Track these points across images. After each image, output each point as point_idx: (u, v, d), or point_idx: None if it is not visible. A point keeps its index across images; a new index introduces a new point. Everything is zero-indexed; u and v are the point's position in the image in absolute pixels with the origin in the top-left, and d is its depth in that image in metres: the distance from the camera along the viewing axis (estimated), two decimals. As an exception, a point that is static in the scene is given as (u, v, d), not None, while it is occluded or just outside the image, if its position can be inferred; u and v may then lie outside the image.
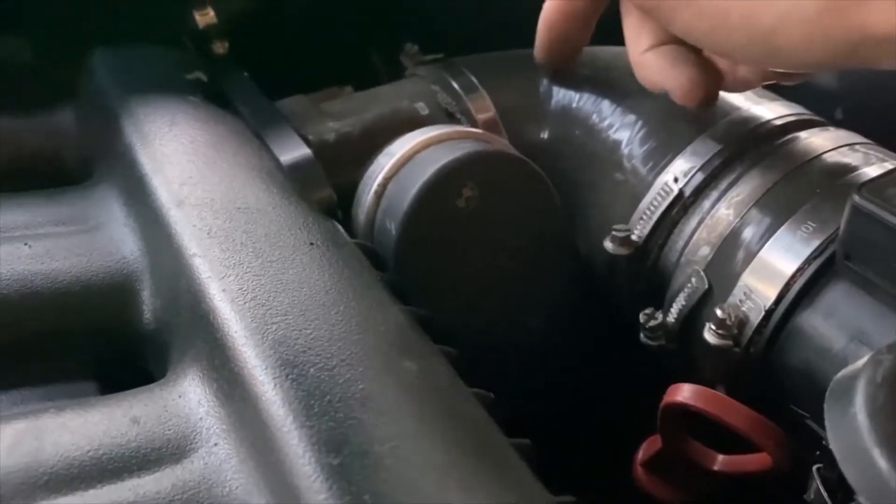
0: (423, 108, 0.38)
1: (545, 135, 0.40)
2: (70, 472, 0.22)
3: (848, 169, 0.33)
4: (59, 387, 0.27)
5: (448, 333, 0.29)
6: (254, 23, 0.46)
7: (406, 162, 0.35)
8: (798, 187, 0.32)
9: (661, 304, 0.34)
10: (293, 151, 0.34)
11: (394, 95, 0.40)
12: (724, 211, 0.33)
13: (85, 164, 0.35)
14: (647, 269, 0.35)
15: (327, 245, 0.28)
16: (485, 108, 0.39)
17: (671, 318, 0.33)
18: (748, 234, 0.32)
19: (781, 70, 0.32)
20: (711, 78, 0.32)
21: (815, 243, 0.30)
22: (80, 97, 0.37)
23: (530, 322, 0.36)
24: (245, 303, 0.25)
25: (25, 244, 0.29)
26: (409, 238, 0.33)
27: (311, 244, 0.28)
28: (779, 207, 0.32)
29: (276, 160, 0.34)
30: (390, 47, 0.44)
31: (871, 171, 0.32)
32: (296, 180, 0.33)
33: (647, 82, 0.33)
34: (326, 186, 0.34)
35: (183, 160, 0.30)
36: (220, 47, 0.47)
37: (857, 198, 0.27)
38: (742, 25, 0.27)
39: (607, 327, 0.37)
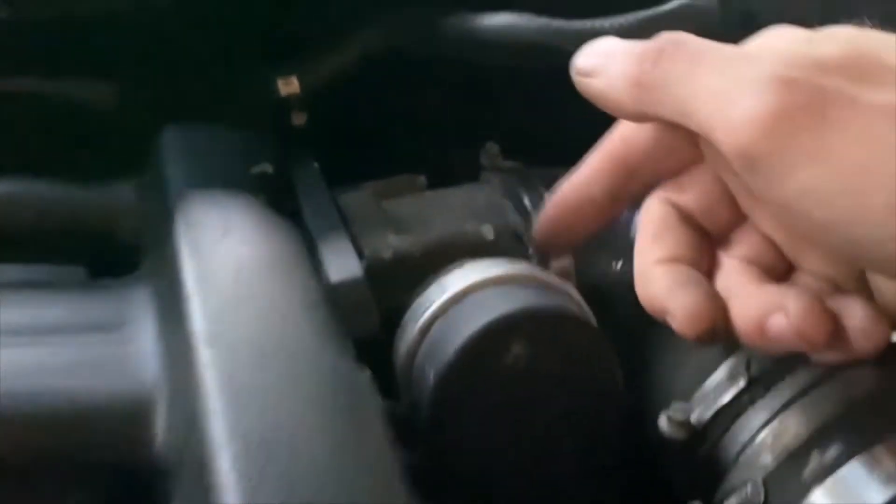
0: (489, 233, 0.36)
1: (619, 266, 0.37)
2: None
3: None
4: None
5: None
6: (336, 99, 0.45)
7: (458, 301, 0.32)
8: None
9: (713, 496, 0.31)
10: (344, 272, 0.33)
11: (460, 209, 0.38)
12: (795, 415, 0.30)
13: (136, 250, 0.34)
14: (702, 458, 0.32)
15: (351, 411, 0.27)
16: (555, 233, 0.37)
17: (719, 523, 0.30)
18: (822, 450, 0.29)
19: None
20: (720, 311, 0.27)
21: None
22: (144, 177, 0.36)
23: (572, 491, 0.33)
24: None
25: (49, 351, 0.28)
26: (446, 394, 0.31)
27: (334, 407, 0.26)
28: (865, 426, 0.28)
29: (327, 278, 0.33)
30: (471, 143, 0.42)
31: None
32: (343, 299, 0.32)
33: (648, 299, 0.29)
34: (371, 312, 0.33)
35: (226, 283, 0.29)
36: (298, 118, 0.46)
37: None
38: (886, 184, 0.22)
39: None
